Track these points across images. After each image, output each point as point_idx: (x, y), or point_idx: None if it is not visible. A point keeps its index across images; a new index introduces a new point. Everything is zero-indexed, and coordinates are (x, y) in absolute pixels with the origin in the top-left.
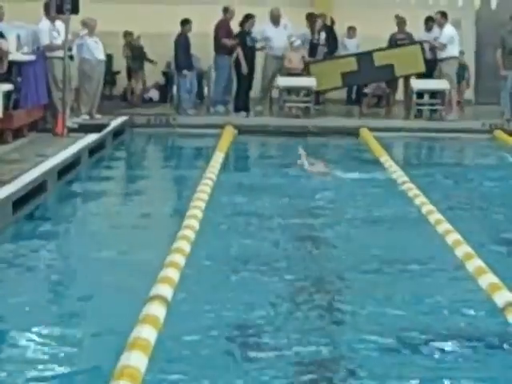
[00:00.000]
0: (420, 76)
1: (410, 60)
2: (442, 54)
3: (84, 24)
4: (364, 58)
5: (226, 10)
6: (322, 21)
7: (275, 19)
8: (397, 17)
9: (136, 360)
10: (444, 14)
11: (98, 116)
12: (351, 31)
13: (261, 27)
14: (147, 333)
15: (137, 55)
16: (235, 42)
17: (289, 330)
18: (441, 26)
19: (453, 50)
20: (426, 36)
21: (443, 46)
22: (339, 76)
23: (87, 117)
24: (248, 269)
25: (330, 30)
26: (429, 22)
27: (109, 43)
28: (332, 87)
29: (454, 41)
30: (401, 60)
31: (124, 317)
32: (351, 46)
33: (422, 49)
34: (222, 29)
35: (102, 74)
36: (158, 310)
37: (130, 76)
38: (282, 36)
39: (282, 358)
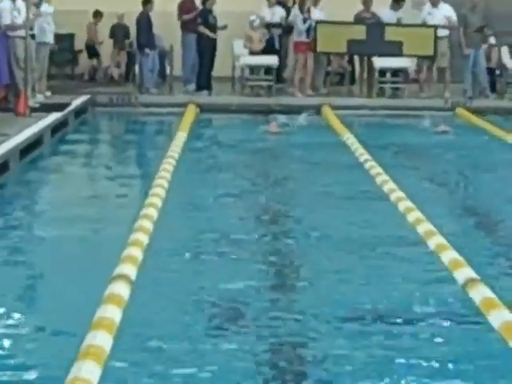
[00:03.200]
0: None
1: (420, 41)
2: (440, 33)
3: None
4: (375, 29)
5: None
6: None
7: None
8: None
9: (101, 340)
10: None
11: (47, 93)
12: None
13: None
14: (112, 312)
15: (121, 35)
16: (193, 14)
17: (256, 309)
18: (435, 4)
19: (446, 29)
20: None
21: (454, 25)
22: (345, 42)
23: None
24: (212, 247)
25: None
26: None
27: (71, 22)
28: (335, 51)
29: None
30: (412, 39)
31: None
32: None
33: (435, 33)
34: (184, 7)
35: (47, 55)
36: (121, 290)
37: (91, 55)
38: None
39: (248, 335)
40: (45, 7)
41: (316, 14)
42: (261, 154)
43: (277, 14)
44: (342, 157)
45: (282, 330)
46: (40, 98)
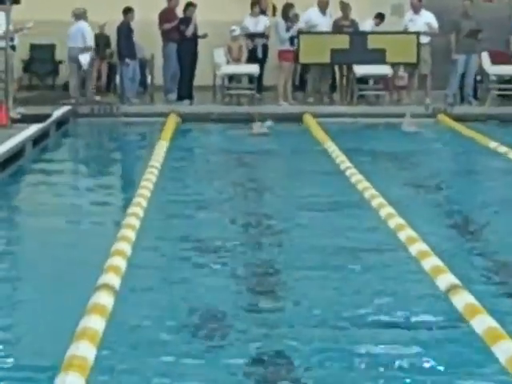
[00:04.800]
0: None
1: (403, 48)
2: (422, 40)
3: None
4: (358, 37)
5: None
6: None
7: (323, 7)
8: (341, 3)
9: (84, 350)
10: None
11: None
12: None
13: (306, 15)
14: (95, 322)
15: (102, 44)
16: (174, 24)
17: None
18: (416, 10)
19: (427, 36)
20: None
21: (435, 32)
22: (328, 52)
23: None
24: (195, 256)
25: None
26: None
27: (52, 32)
28: (318, 62)
29: None
30: (394, 47)
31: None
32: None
33: (418, 40)
34: (165, 16)
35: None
36: (105, 299)
37: None
38: (328, 24)
39: (230, 346)
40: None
41: (327, 18)
42: (242, 161)
43: (260, 23)
44: (324, 164)
45: (263, 339)
46: (21, 109)
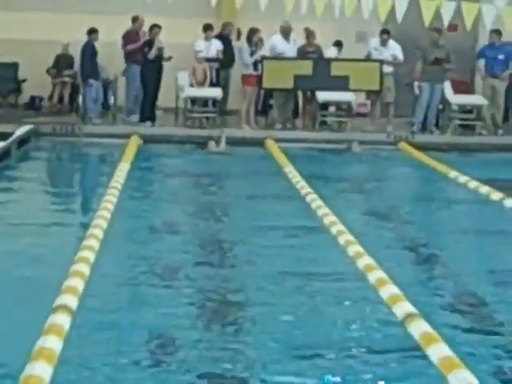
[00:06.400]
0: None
1: (366, 76)
2: (386, 69)
3: None
4: (321, 64)
5: (134, 20)
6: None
7: (286, 33)
8: (306, 29)
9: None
10: (386, 31)
11: None
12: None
13: (271, 42)
14: (52, 343)
15: (65, 64)
16: (138, 45)
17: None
18: (384, 43)
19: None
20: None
21: (400, 63)
22: (292, 78)
23: None
24: (150, 277)
25: (227, 41)
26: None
27: (15, 51)
28: (282, 87)
29: None
30: (358, 74)
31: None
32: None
33: (381, 67)
34: (129, 38)
35: None
36: (62, 319)
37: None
38: (292, 51)
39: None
40: None
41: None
42: (203, 183)
43: (213, 46)
44: (284, 189)
45: (219, 360)
46: None
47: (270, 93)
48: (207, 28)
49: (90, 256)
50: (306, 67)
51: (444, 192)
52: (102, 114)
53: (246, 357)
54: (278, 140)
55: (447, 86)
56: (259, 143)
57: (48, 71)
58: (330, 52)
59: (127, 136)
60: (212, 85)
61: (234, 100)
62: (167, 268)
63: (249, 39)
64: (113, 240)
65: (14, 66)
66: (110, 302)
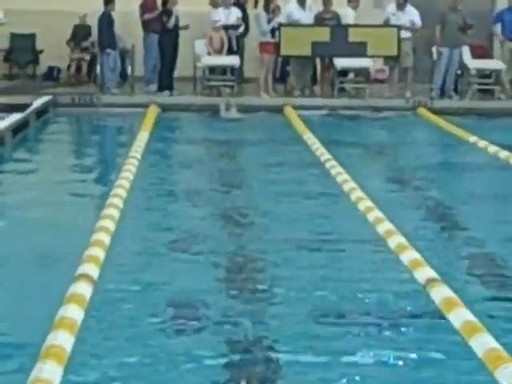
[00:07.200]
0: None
1: (384, 41)
2: (403, 35)
3: None
4: (338, 30)
5: None
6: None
7: (302, 1)
8: None
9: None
10: None
11: None
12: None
13: (287, 10)
14: (73, 312)
15: (82, 35)
16: (155, 14)
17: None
18: (401, 7)
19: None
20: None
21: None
22: (309, 44)
23: None
24: (173, 247)
25: (243, 9)
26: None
27: (32, 22)
28: (299, 55)
29: None
30: (375, 40)
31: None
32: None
33: (399, 33)
34: (146, 6)
35: None
36: (84, 289)
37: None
38: (308, 18)
39: (209, 334)
40: None
41: (307, 13)
42: (222, 150)
43: (232, 14)
44: (303, 156)
45: (241, 332)
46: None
47: (287, 60)
48: None
49: (111, 225)
50: (324, 34)
51: (463, 157)
52: (119, 83)
53: (271, 322)
54: (296, 107)
55: (465, 51)
56: (278, 110)
57: (68, 43)
58: (348, 16)
59: (145, 105)
60: (233, 52)
61: (251, 68)
62: (187, 235)
63: (266, 6)
64: (133, 209)
65: (32, 37)
66: (130, 271)
